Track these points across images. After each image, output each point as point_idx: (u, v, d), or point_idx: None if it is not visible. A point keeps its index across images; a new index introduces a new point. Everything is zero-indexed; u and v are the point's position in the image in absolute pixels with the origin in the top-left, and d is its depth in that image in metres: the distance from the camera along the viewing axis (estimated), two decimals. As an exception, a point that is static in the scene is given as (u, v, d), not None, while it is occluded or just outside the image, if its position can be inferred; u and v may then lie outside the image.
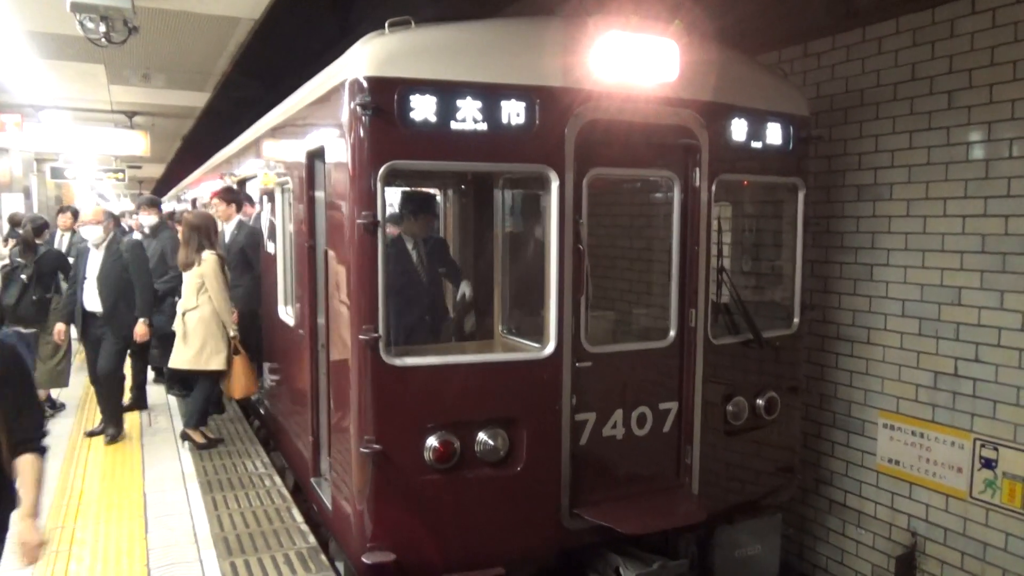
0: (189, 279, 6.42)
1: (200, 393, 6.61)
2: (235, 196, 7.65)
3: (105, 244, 6.84)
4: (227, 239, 7.42)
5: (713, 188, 4.51)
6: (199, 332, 6.31)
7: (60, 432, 6.94)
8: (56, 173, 18.98)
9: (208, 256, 6.38)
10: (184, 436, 6.61)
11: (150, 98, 13.27)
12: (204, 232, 6.51)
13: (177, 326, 6.42)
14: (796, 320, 5.06)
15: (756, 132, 4.69)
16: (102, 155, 17.72)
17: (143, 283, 6.84)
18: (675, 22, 4.27)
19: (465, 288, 5.39)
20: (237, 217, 7.60)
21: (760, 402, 4.85)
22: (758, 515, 4.91)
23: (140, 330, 6.80)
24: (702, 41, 4.46)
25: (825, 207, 5.77)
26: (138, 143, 14.83)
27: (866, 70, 5.50)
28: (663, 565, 4.30)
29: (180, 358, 6.40)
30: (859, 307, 5.62)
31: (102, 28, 6.36)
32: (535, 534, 4.19)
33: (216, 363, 6.34)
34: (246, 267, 7.24)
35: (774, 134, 4.77)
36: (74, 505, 5.39)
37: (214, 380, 6.57)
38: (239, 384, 6.47)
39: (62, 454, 6.38)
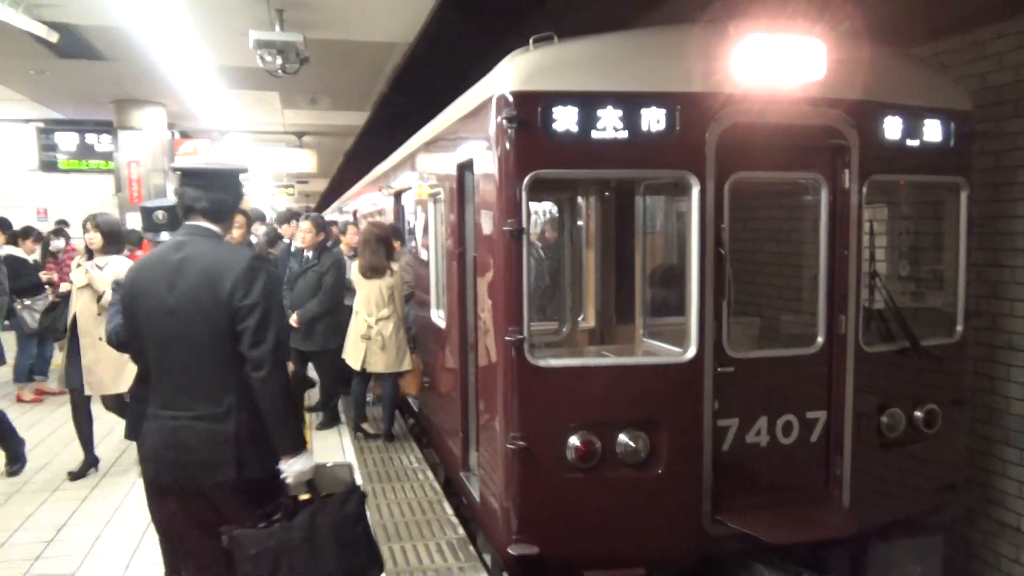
0: (375, 288, 6.93)
1: (389, 392, 7.24)
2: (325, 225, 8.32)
3: None
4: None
5: (864, 190, 4.36)
6: (395, 339, 6.92)
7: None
8: (236, 190, 20.88)
9: (396, 267, 6.96)
10: (358, 428, 7.36)
11: (317, 119, 14.45)
12: (390, 243, 7.07)
13: (365, 333, 6.94)
14: (959, 328, 4.76)
15: (911, 130, 4.47)
16: (275, 172, 19.41)
17: None
18: (843, 24, 4.20)
19: None
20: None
21: (919, 414, 4.59)
22: (917, 534, 4.66)
23: None
24: (850, 38, 4.34)
25: (994, 206, 5.37)
26: (306, 160, 16.11)
27: (1040, 58, 5.09)
28: (810, 578, 4.20)
29: (380, 363, 6.96)
30: (1035, 314, 5.19)
31: (278, 61, 7.09)
32: (676, 537, 4.21)
33: (407, 364, 7.01)
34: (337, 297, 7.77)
35: (932, 131, 4.53)
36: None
37: (395, 379, 7.17)
38: (415, 381, 7.07)
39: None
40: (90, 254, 6.29)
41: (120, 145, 12.76)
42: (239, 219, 6.53)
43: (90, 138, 13.34)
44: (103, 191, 14.57)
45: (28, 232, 10.45)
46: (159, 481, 3.27)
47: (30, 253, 10.17)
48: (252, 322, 3.14)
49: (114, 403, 6.30)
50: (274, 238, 9.68)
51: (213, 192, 3.38)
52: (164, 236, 4.15)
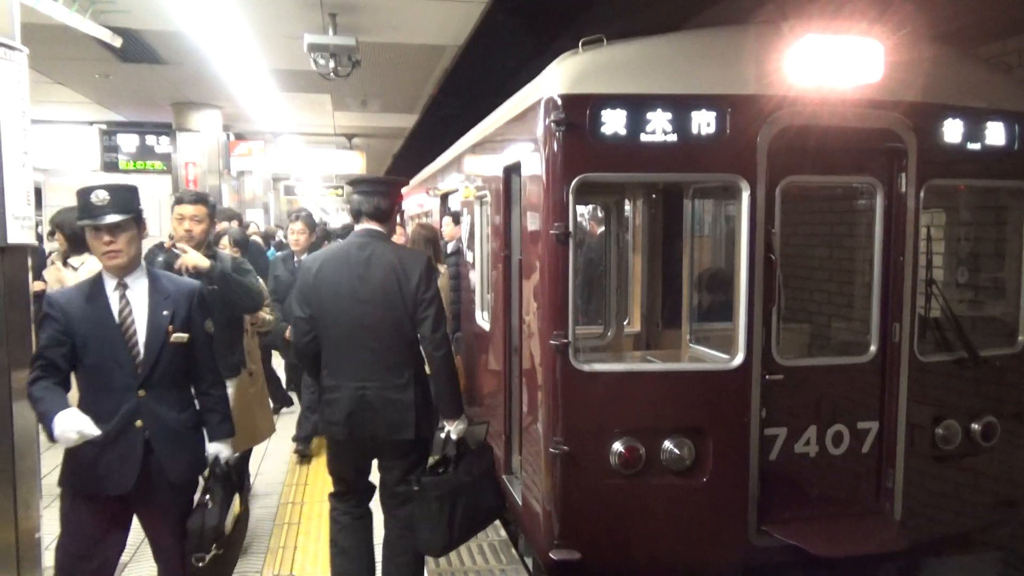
0: None
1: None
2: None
3: None
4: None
5: (922, 194, 4.24)
6: None
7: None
8: (288, 191, 21.43)
9: (443, 269, 6.97)
10: None
11: (367, 122, 14.64)
12: (437, 244, 7.09)
13: None
14: (1021, 338, 4.59)
15: (972, 132, 4.33)
16: (325, 174, 19.75)
17: None
18: (904, 29, 4.11)
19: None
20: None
21: (976, 427, 4.44)
22: (972, 551, 4.51)
23: None
24: (909, 38, 4.22)
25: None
26: (356, 162, 16.35)
27: (1114, 58, 4.88)
28: (859, 593, 4.10)
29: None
30: (1103, 325, 4.96)
31: (331, 64, 7.21)
32: (720, 547, 4.15)
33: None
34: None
35: (994, 134, 4.38)
36: (298, 503, 6.08)
37: None
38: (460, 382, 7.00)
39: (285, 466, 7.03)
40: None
41: (178, 147, 13.14)
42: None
43: (150, 140, 13.74)
44: (161, 191, 15.00)
45: None
46: (352, 437, 4.04)
47: None
48: (433, 311, 4.00)
49: None
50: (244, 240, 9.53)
51: (375, 198, 4.12)
52: (109, 219, 3.29)
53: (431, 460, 4.27)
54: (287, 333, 6.69)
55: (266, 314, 5.75)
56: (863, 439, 4.31)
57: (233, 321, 5.03)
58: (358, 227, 4.18)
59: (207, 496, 3.47)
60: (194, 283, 3.73)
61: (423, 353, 4.11)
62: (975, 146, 4.36)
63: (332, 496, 4.34)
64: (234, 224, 8.88)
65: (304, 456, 7.12)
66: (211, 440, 3.59)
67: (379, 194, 4.15)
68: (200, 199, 4.88)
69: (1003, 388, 4.56)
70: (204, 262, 4.57)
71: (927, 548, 4.35)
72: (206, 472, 3.54)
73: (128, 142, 13.75)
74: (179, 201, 4.85)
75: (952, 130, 4.29)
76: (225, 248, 5.69)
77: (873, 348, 4.33)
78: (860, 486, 4.34)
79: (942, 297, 4.53)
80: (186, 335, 3.44)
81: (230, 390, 4.93)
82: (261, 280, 5.71)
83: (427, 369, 4.32)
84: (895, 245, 4.27)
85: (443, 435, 4.17)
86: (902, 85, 4.12)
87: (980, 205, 5.12)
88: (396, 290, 3.97)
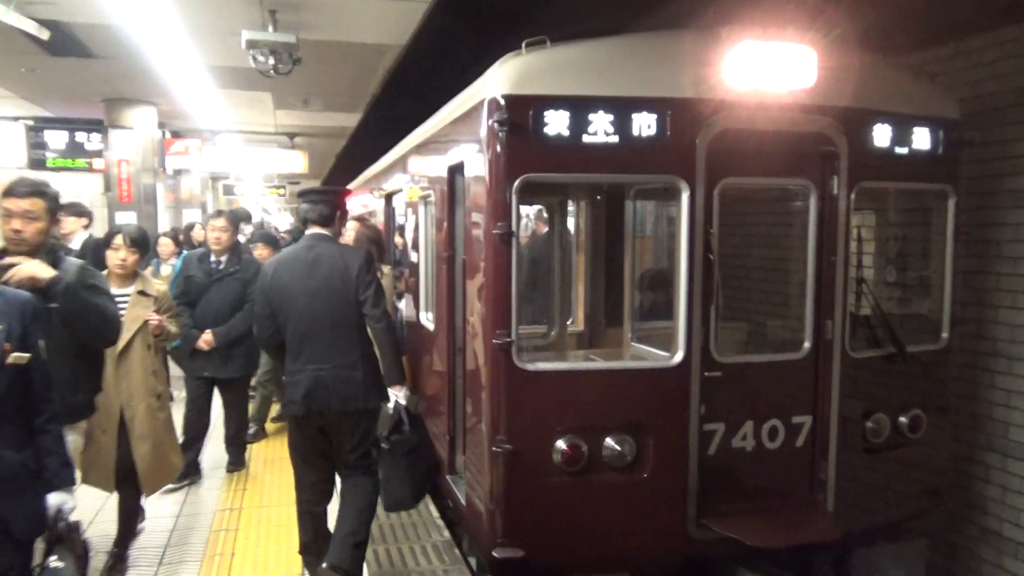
0: None
1: None
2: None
3: None
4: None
5: (853, 196, 4.39)
6: None
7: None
8: (228, 190, 20.92)
9: (386, 270, 6.87)
10: None
11: (309, 120, 14.41)
12: (381, 245, 7.00)
13: None
14: (945, 335, 4.80)
15: (900, 137, 4.51)
16: (266, 173, 19.35)
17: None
18: (834, 32, 4.24)
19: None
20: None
21: (903, 419, 4.63)
22: (901, 539, 4.69)
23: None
24: (840, 45, 4.37)
25: (981, 214, 5.42)
26: (298, 162, 16.05)
27: (1028, 68, 5.13)
28: (794, 582, 4.22)
29: None
30: (1019, 321, 5.23)
31: (271, 61, 7.07)
32: (661, 541, 4.22)
33: None
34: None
35: (920, 139, 4.57)
36: (236, 509, 5.97)
37: None
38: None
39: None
40: None
41: (110, 144, 12.68)
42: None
43: (80, 136, 13.21)
44: (92, 190, 14.49)
45: None
46: (310, 412, 4.48)
47: None
48: (371, 292, 4.52)
49: None
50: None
51: (319, 206, 4.68)
52: None
53: (386, 429, 4.69)
54: (200, 341, 6.33)
55: (170, 325, 5.06)
56: (797, 433, 4.43)
57: (85, 351, 4.08)
58: (307, 232, 4.72)
59: (54, 556, 2.88)
60: (27, 294, 3.08)
61: (368, 329, 4.59)
62: (902, 150, 4.54)
63: (295, 478, 4.75)
64: (84, 221, 8.17)
65: (239, 465, 6.85)
66: (51, 489, 2.95)
67: (323, 202, 4.71)
68: (36, 190, 3.75)
69: (929, 382, 4.76)
70: (46, 272, 3.60)
71: (859, 537, 4.50)
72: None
73: (56, 139, 13.20)
74: (8, 193, 3.72)
75: (881, 135, 4.46)
76: (120, 250, 4.88)
77: (807, 345, 4.47)
78: (795, 478, 4.47)
79: (872, 295, 4.70)
80: (27, 355, 2.84)
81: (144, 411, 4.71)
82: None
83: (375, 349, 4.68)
84: (827, 245, 4.41)
85: (391, 405, 4.65)
86: (834, 90, 4.26)
87: (907, 207, 5.33)
88: (339, 282, 4.49)
